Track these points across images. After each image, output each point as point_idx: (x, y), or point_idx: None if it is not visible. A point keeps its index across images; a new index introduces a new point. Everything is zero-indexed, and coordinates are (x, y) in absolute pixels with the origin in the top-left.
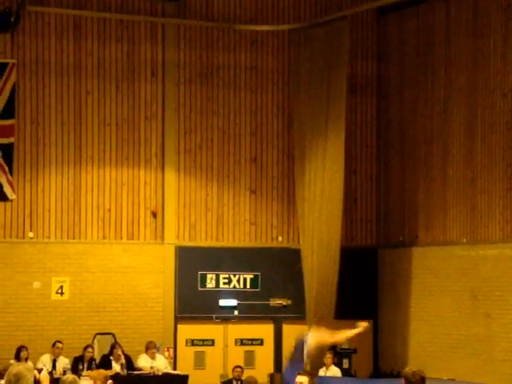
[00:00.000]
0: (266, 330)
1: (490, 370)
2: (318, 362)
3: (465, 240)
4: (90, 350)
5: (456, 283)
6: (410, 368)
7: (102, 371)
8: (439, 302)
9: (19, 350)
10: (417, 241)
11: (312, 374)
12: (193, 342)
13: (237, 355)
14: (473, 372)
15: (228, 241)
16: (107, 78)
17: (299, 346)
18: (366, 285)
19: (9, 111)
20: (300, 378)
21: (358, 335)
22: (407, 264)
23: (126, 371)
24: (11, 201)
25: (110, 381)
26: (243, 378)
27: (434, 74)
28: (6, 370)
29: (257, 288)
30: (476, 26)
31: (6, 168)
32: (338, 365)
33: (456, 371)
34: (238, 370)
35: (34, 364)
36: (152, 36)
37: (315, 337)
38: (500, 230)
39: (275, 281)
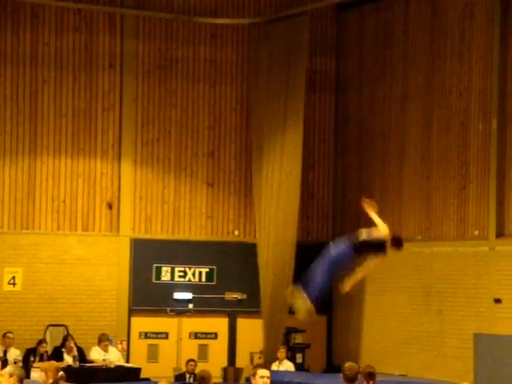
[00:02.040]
0: (220, 324)
1: (441, 365)
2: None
3: (419, 237)
4: (44, 345)
5: (410, 280)
6: (349, 362)
7: (54, 363)
8: (393, 298)
9: None
10: None
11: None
12: (146, 335)
13: (190, 349)
14: (424, 368)
15: (184, 234)
16: (64, 67)
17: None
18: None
19: None
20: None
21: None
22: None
23: (77, 363)
24: None
25: (62, 373)
26: (196, 371)
27: (392, 72)
28: None
29: (212, 281)
30: (434, 25)
31: None
32: (292, 359)
33: (408, 367)
34: (192, 363)
35: None
36: (110, 27)
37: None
38: (454, 228)
39: (231, 275)
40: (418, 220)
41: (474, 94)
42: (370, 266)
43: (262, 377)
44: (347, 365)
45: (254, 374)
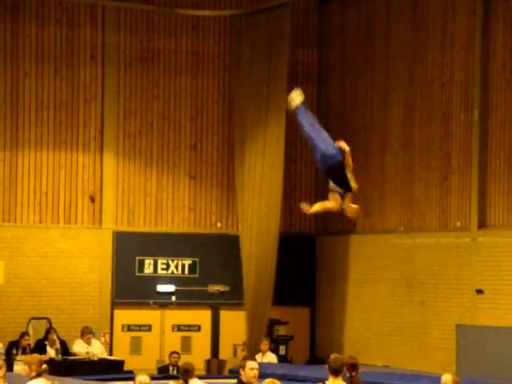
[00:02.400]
0: (203, 316)
1: (423, 357)
2: None
3: (402, 228)
4: (26, 337)
5: (392, 271)
6: (334, 354)
7: (37, 356)
8: (375, 289)
9: None
10: (354, 229)
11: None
12: (129, 328)
13: (174, 341)
14: (407, 359)
15: (167, 226)
16: (46, 60)
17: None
18: (304, 272)
19: None
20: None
21: None
22: (345, 252)
23: (60, 356)
24: None
25: (45, 366)
26: (180, 363)
27: (374, 63)
28: None
29: (195, 274)
30: (416, 16)
31: None
32: (275, 351)
33: (390, 358)
34: (175, 355)
35: None
36: (92, 18)
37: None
38: (436, 219)
39: (213, 267)
40: (401, 211)
41: (455, 85)
42: (336, 202)
43: (252, 368)
44: (332, 356)
45: (244, 366)
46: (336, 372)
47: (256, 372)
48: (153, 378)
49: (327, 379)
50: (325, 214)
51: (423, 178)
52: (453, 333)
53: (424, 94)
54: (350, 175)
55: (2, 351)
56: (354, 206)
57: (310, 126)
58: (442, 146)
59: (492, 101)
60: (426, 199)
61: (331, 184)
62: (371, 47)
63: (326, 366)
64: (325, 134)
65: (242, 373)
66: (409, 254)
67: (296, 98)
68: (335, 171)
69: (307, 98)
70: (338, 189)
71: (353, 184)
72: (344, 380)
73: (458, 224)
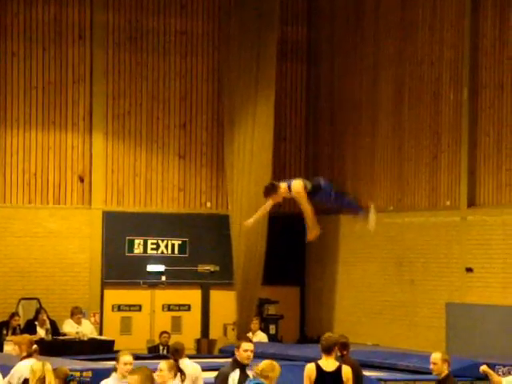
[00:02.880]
0: (193, 296)
1: (413, 335)
2: None
3: (391, 207)
4: (16, 318)
5: (382, 250)
6: (327, 333)
7: (27, 336)
8: (365, 268)
9: None
10: None
11: None
12: (119, 308)
13: (164, 321)
14: (396, 338)
15: (156, 206)
16: (34, 39)
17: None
18: (294, 251)
19: None
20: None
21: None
22: (334, 231)
23: (50, 336)
24: None
25: (35, 346)
26: (170, 343)
27: (363, 42)
28: None
29: (185, 254)
30: None
31: None
32: (265, 330)
33: (380, 337)
34: (165, 335)
35: None
36: None
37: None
38: (426, 198)
39: (203, 247)
40: (390, 191)
41: (445, 64)
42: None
43: (246, 350)
44: (325, 335)
45: (238, 347)
46: (328, 351)
47: (250, 354)
48: (143, 357)
49: (319, 359)
50: None
51: (413, 157)
52: (442, 311)
53: (413, 73)
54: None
55: None
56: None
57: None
58: (431, 124)
59: (481, 80)
60: (415, 178)
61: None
62: (361, 25)
63: (319, 345)
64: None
65: (237, 353)
66: (399, 233)
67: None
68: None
69: (296, 77)
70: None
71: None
72: (335, 359)
73: (448, 203)
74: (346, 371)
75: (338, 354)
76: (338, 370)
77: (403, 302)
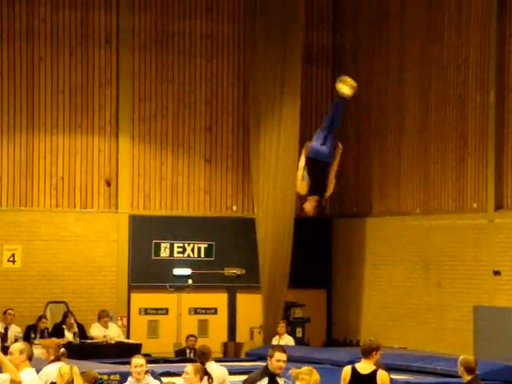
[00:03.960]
0: (219, 299)
1: (440, 338)
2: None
3: (418, 210)
4: (44, 320)
5: (409, 253)
6: (370, 338)
7: (54, 340)
8: (392, 271)
9: None
10: (371, 211)
11: None
12: (146, 311)
13: (190, 324)
14: (424, 341)
15: (182, 210)
16: (60, 44)
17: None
18: (320, 254)
19: None
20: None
21: None
22: (361, 234)
23: (78, 340)
24: None
25: (63, 349)
26: (197, 346)
27: (388, 45)
28: None
29: (211, 257)
30: None
31: None
32: (292, 334)
33: (407, 340)
34: (192, 339)
35: None
36: (106, 2)
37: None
38: (452, 201)
39: (229, 250)
40: (417, 193)
41: (471, 66)
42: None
43: (279, 360)
44: (366, 339)
45: (271, 356)
46: (366, 354)
47: (282, 364)
48: (170, 361)
49: (352, 362)
50: (340, 196)
51: (439, 160)
52: (470, 314)
53: (439, 76)
54: (331, 177)
55: (21, 335)
56: (310, 207)
57: (329, 119)
58: (457, 127)
59: (508, 82)
60: (442, 181)
61: (306, 175)
62: (386, 29)
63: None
64: (330, 136)
65: (269, 361)
66: (425, 236)
67: (349, 89)
68: (319, 169)
69: (322, 80)
70: (309, 184)
71: (329, 189)
72: (375, 364)
73: (475, 205)
74: (382, 376)
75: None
76: (373, 373)
77: (430, 305)
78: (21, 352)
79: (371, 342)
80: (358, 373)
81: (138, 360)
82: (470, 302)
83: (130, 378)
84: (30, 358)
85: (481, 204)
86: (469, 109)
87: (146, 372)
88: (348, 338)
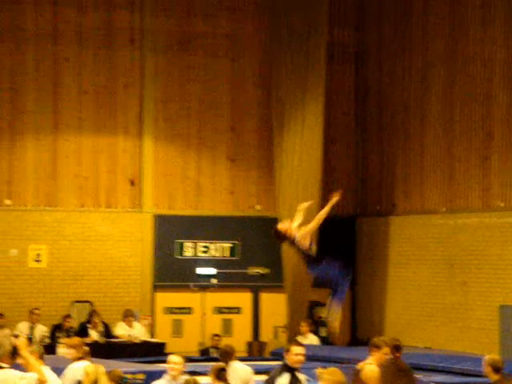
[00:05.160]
0: (243, 299)
1: (465, 338)
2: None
3: (443, 209)
4: (69, 319)
5: (433, 252)
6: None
7: (79, 338)
8: (416, 270)
9: None
10: (395, 210)
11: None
12: (170, 310)
13: (214, 323)
14: (449, 340)
15: (206, 209)
16: (85, 44)
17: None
18: (344, 253)
19: None
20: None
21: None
22: (385, 233)
23: (103, 339)
24: None
25: (87, 348)
26: (221, 346)
27: (412, 43)
28: None
29: (235, 256)
30: None
31: None
32: (316, 333)
33: (432, 340)
34: (216, 338)
35: (11, 332)
36: (130, 3)
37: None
38: (478, 199)
39: (253, 249)
40: (442, 192)
41: (497, 63)
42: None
43: (297, 354)
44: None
45: (289, 351)
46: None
47: (301, 358)
48: (194, 360)
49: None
50: (364, 195)
51: (464, 158)
52: (496, 314)
53: (464, 73)
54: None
55: (47, 334)
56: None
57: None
58: (483, 125)
59: None
60: (467, 179)
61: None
62: (409, 25)
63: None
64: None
65: (287, 357)
66: (450, 235)
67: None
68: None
69: (345, 79)
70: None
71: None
72: (385, 361)
73: (502, 204)
74: (366, 370)
75: (391, 356)
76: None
77: (455, 305)
78: (31, 353)
79: (372, 340)
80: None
81: (174, 358)
82: (495, 301)
83: (165, 376)
84: (41, 356)
85: (507, 203)
86: (494, 106)
87: (183, 372)
88: (372, 338)
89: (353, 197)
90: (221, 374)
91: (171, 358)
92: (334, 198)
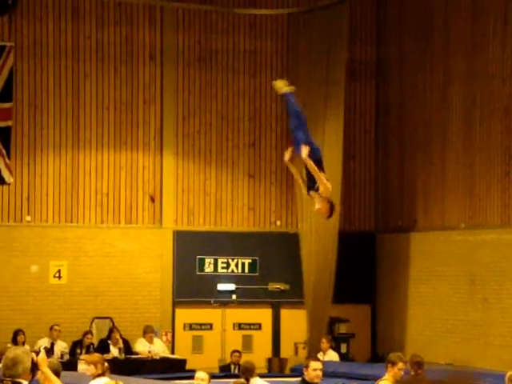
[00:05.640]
0: (264, 315)
1: (487, 354)
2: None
3: (463, 225)
4: (89, 336)
5: (454, 268)
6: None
7: (99, 355)
8: (437, 286)
9: (16, 333)
10: (415, 226)
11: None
12: (191, 327)
13: (235, 340)
14: (470, 357)
15: (226, 225)
16: (105, 61)
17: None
18: (364, 269)
19: (6, 94)
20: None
21: None
22: (405, 249)
23: (123, 355)
24: (9, 184)
25: (106, 364)
26: (241, 362)
27: (432, 59)
28: (2, 354)
29: (255, 272)
30: (475, 9)
31: (4, 151)
32: (336, 349)
33: (453, 356)
34: (236, 354)
35: (32, 348)
36: (150, 19)
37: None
38: (498, 215)
39: (273, 265)
40: (462, 208)
41: None
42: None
43: (315, 369)
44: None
45: (307, 366)
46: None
47: (319, 373)
48: (215, 376)
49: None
50: (384, 210)
51: (484, 174)
52: None
53: (484, 89)
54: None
55: (67, 351)
56: (318, 206)
57: (297, 112)
58: (503, 140)
59: None
60: (487, 195)
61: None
62: (430, 42)
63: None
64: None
65: (305, 372)
66: (470, 251)
67: (282, 87)
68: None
69: (365, 95)
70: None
71: (322, 185)
72: (408, 378)
73: None
74: None
75: (412, 373)
76: None
77: (476, 321)
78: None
79: (388, 356)
80: None
81: (201, 374)
82: None
83: None
84: (58, 373)
85: None
86: None
87: None
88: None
89: (373, 213)
90: None
91: (198, 374)
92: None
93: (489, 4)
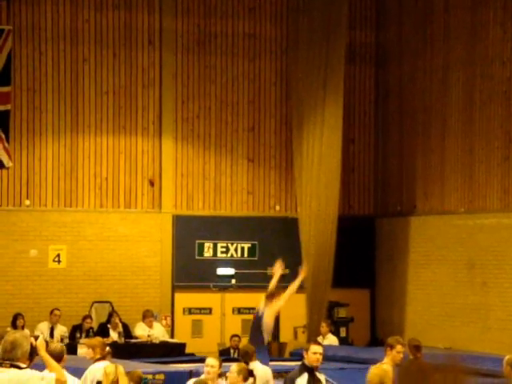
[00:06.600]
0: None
1: (486, 338)
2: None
3: (463, 209)
4: (88, 320)
5: (453, 252)
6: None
7: (100, 339)
8: (436, 271)
9: (15, 317)
10: (414, 210)
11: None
12: (190, 311)
13: (234, 324)
14: (469, 341)
15: (225, 210)
16: (104, 45)
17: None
18: (364, 254)
19: (5, 78)
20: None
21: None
22: (405, 233)
23: (123, 339)
24: (7, 168)
25: (108, 348)
26: (240, 346)
27: (432, 43)
28: (2, 337)
29: (254, 257)
30: None
31: (3, 135)
32: (335, 333)
33: (452, 340)
34: (236, 338)
35: (31, 332)
36: (149, 3)
37: (270, 312)
38: (498, 200)
39: (273, 250)
40: (461, 192)
41: None
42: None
43: (315, 353)
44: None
45: (307, 350)
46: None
47: (319, 356)
48: None
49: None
50: (383, 195)
51: (484, 159)
52: None
53: (484, 73)
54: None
55: (66, 335)
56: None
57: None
58: (503, 124)
59: None
60: (487, 179)
61: None
62: (429, 26)
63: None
64: None
65: (305, 356)
66: (470, 235)
67: None
68: None
69: (365, 80)
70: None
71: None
72: (407, 361)
73: None
74: (370, 372)
75: (411, 356)
76: None
77: (475, 305)
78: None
79: (386, 340)
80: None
81: (212, 361)
82: None
83: (203, 376)
84: (59, 357)
85: None
86: None
87: (220, 375)
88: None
89: (372, 197)
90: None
91: (208, 360)
92: (303, 274)
93: None
